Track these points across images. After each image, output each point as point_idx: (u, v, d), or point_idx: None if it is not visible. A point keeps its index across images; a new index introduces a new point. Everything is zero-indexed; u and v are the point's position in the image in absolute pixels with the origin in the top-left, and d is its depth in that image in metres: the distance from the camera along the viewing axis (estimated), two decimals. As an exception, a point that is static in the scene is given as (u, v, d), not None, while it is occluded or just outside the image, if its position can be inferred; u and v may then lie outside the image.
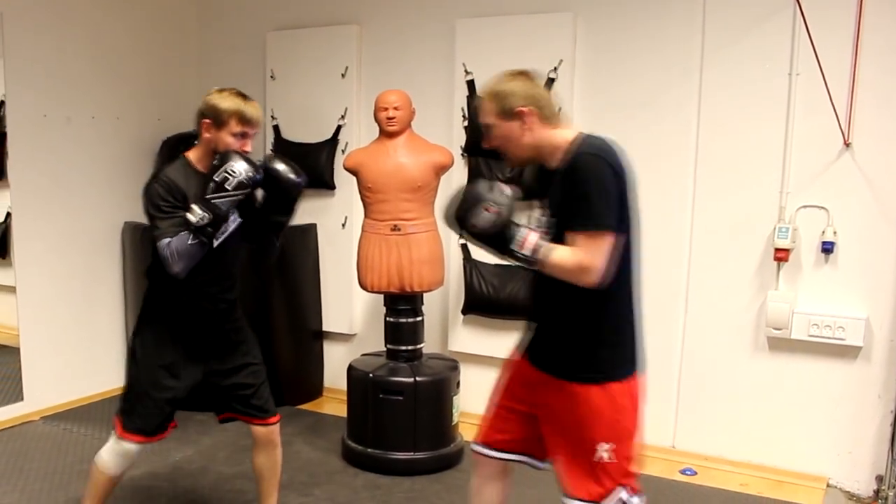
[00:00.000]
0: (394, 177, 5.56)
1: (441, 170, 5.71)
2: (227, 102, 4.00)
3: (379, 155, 5.64)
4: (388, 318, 5.91)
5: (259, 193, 4.11)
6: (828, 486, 5.57)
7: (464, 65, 6.40)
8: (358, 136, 6.94)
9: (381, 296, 5.97)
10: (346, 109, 7.01)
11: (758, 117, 5.55)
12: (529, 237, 3.21)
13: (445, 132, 6.45)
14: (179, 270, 3.93)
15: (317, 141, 7.03)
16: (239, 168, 3.85)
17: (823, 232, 5.42)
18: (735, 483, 5.62)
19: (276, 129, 7.43)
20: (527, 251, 3.20)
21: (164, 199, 3.98)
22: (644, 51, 5.86)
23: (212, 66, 7.93)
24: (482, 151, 6.09)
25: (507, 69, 3.44)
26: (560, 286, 3.24)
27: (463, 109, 6.44)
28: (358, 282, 5.92)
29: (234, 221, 4.03)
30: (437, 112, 6.55)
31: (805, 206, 5.48)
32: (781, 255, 5.49)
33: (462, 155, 6.44)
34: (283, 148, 7.28)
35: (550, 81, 5.99)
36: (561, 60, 5.98)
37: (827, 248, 5.41)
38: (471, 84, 6.36)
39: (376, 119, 5.66)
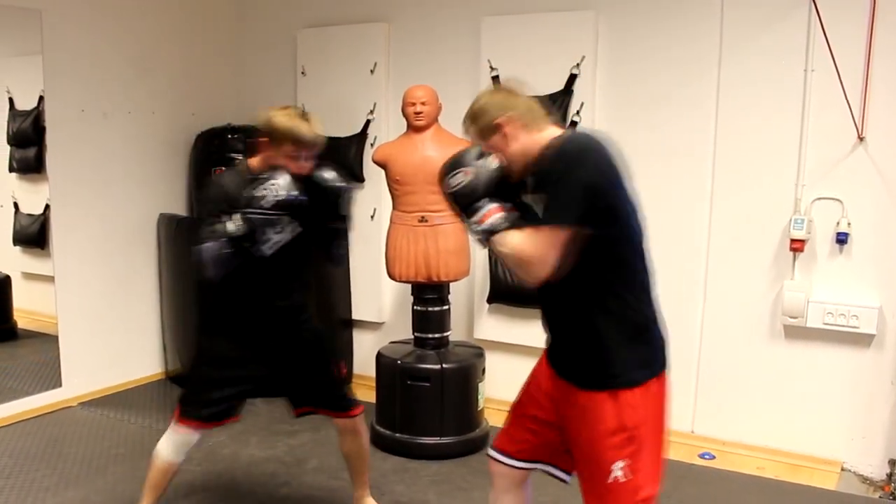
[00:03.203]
0: (421, 169, 5.59)
1: None
2: (283, 125, 4.02)
3: (407, 148, 5.72)
4: (415, 307, 5.98)
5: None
6: (842, 469, 5.60)
7: (489, 61, 6.46)
8: (386, 131, 7.01)
9: (409, 285, 6.02)
10: (374, 104, 7.09)
11: (774, 112, 5.57)
12: (493, 214, 3.07)
13: (471, 127, 6.50)
14: (212, 276, 4.00)
15: (346, 135, 7.07)
16: (280, 189, 3.89)
17: (838, 223, 5.46)
18: (752, 467, 5.65)
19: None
20: (484, 226, 3.07)
21: (214, 203, 4.10)
22: (663, 47, 5.90)
23: (245, 63, 8.02)
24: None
25: (484, 88, 3.31)
26: (562, 286, 3.06)
27: (488, 104, 6.46)
28: (386, 271, 5.99)
29: (290, 231, 4.03)
30: (463, 107, 6.43)
31: (820, 198, 5.51)
32: (797, 246, 5.52)
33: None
34: None
35: (573, 77, 6.08)
36: (583, 57, 6.04)
37: (841, 238, 5.44)
38: (496, 80, 6.38)
39: (404, 114, 5.73)
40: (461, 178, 3.14)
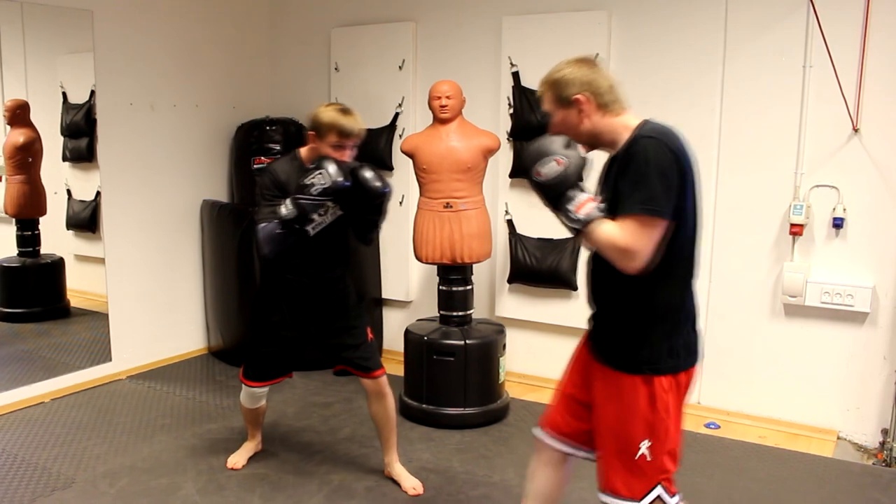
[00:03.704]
0: (446, 159, 5.68)
1: (489, 153, 5.83)
2: (327, 117, 4.31)
3: (433, 139, 5.77)
4: (440, 287, 6.05)
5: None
6: (838, 438, 5.68)
7: (509, 58, 6.54)
8: (414, 123, 7.08)
9: (435, 267, 6.09)
10: (403, 98, 7.17)
11: (775, 105, 5.64)
12: (588, 203, 3.00)
13: (493, 118, 6.60)
14: (268, 252, 4.32)
15: (377, 127, 7.12)
16: (326, 176, 4.13)
17: (834, 209, 5.53)
18: (754, 436, 5.73)
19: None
20: (581, 215, 2.99)
21: (267, 188, 4.38)
22: (672, 45, 5.97)
23: (282, 59, 8.10)
24: (526, 135, 6.31)
25: (571, 57, 3.22)
26: (614, 270, 3.02)
27: (508, 98, 6.56)
28: (414, 254, 6.06)
29: (332, 215, 4.40)
30: (486, 100, 6.71)
31: (818, 186, 5.59)
32: (796, 230, 5.60)
33: (508, 139, 6.57)
34: None
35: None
36: (597, 54, 6.07)
37: (837, 223, 5.51)
38: (515, 75, 6.50)
39: (430, 107, 5.81)
40: (555, 168, 3.04)
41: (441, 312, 6.11)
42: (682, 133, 3.05)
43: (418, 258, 6.04)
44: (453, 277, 5.99)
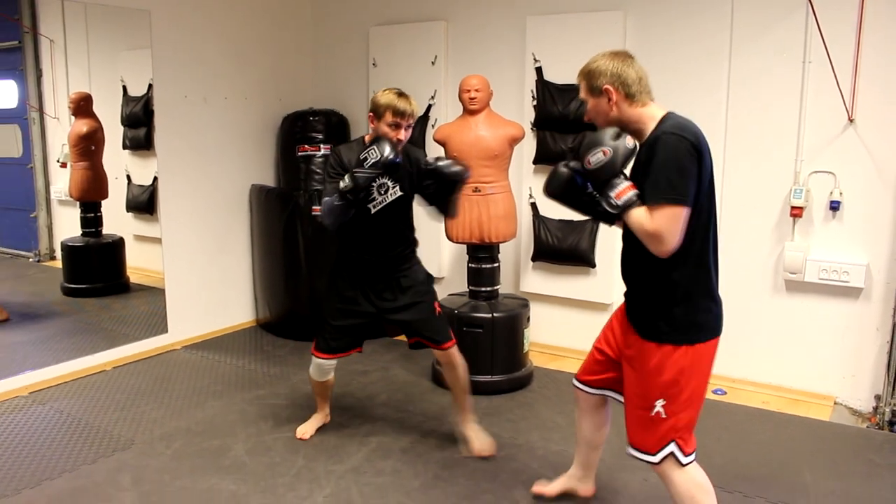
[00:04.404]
0: (475, 147, 5.72)
1: (514, 141, 5.89)
2: (383, 99, 4.46)
3: (463, 129, 5.82)
4: (470, 265, 6.11)
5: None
6: (835, 403, 5.75)
7: (533, 54, 6.63)
8: (445, 114, 7.18)
9: (465, 246, 6.17)
10: (435, 91, 7.24)
11: (776, 98, 5.70)
12: (628, 191, 3.13)
13: (518, 110, 6.70)
14: (329, 224, 4.50)
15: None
16: (378, 152, 4.27)
17: (831, 193, 5.59)
18: (758, 401, 5.80)
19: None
20: (620, 202, 3.13)
21: (332, 167, 4.58)
22: (682, 43, 6.02)
23: (324, 55, 8.19)
24: (548, 125, 6.46)
25: (608, 49, 3.35)
26: (638, 251, 3.23)
27: (532, 91, 6.64)
28: (445, 234, 6.14)
29: (392, 195, 4.57)
30: (511, 93, 6.79)
31: (816, 172, 5.65)
32: (796, 212, 5.66)
33: (532, 129, 6.65)
34: None
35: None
36: None
37: (834, 206, 5.58)
38: (539, 70, 6.59)
39: (460, 99, 5.87)
40: (601, 157, 3.17)
41: (470, 288, 6.18)
42: (698, 127, 3.19)
43: (449, 238, 6.09)
44: (481, 256, 6.04)
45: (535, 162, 6.75)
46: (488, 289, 6.12)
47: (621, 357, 3.57)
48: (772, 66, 5.73)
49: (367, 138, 4.66)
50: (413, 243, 4.91)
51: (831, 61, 5.33)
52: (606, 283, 6.58)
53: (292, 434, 5.21)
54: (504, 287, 6.52)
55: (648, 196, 3.12)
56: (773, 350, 5.98)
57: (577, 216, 6.23)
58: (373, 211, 4.58)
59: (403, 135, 4.49)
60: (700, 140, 3.15)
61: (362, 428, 5.32)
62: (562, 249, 6.64)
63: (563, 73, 6.49)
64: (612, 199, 3.18)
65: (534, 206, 6.80)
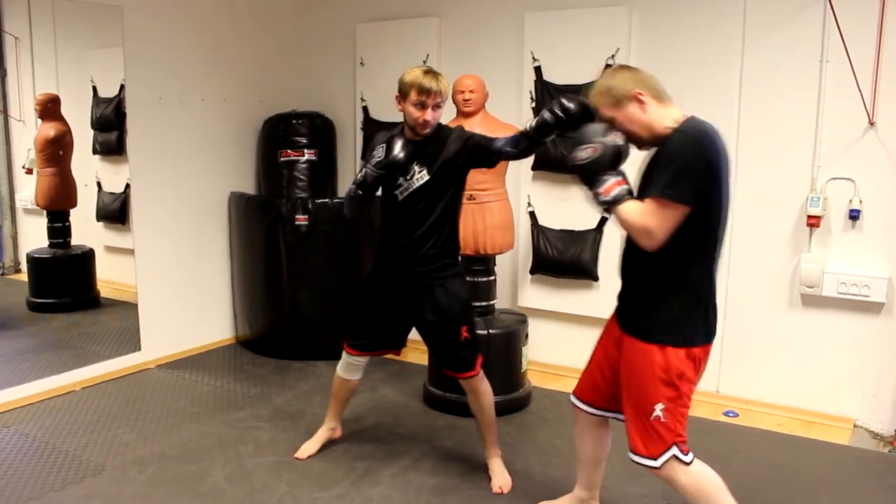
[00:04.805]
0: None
1: None
2: (409, 77, 4.47)
3: None
4: (465, 278, 5.98)
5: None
6: (854, 426, 5.73)
7: (532, 53, 6.63)
8: None
9: (459, 257, 6.14)
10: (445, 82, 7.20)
11: (792, 99, 5.69)
12: (616, 187, 3.26)
13: (515, 112, 6.65)
14: (346, 213, 4.66)
15: (401, 120, 7.03)
16: (383, 151, 4.41)
17: (850, 201, 5.57)
18: (772, 423, 5.77)
19: (364, 109, 7.67)
20: (608, 197, 3.27)
21: (365, 157, 4.66)
22: (692, 40, 6.02)
23: (308, 54, 8.20)
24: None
25: (610, 68, 3.44)
26: (640, 249, 3.34)
27: (530, 92, 6.64)
28: None
29: (417, 180, 4.51)
30: (508, 94, 6.78)
31: (834, 178, 5.63)
32: (813, 222, 5.65)
33: (530, 133, 6.64)
34: (371, 126, 7.50)
35: (608, 67, 6.16)
36: (618, 49, 6.19)
37: (854, 215, 5.56)
38: (538, 70, 6.60)
39: (454, 101, 5.79)
40: (589, 153, 3.30)
41: (465, 303, 6.13)
42: (716, 130, 3.32)
43: (442, 248, 6.03)
44: (477, 268, 6.01)
45: (533, 168, 6.75)
46: (484, 303, 6.07)
47: (618, 361, 3.65)
48: (787, 66, 5.73)
49: (403, 130, 4.66)
50: (449, 246, 4.72)
51: (850, 60, 5.31)
52: (610, 297, 6.27)
53: (274, 458, 5.19)
54: (501, 302, 6.48)
55: (648, 190, 3.26)
56: (789, 369, 5.96)
57: (578, 226, 6.24)
58: (399, 198, 4.57)
59: (431, 115, 4.46)
60: (715, 142, 3.26)
61: (350, 452, 5.29)
62: (562, 261, 6.64)
63: (563, 72, 6.49)
64: (599, 196, 3.32)
65: (532, 214, 6.80)
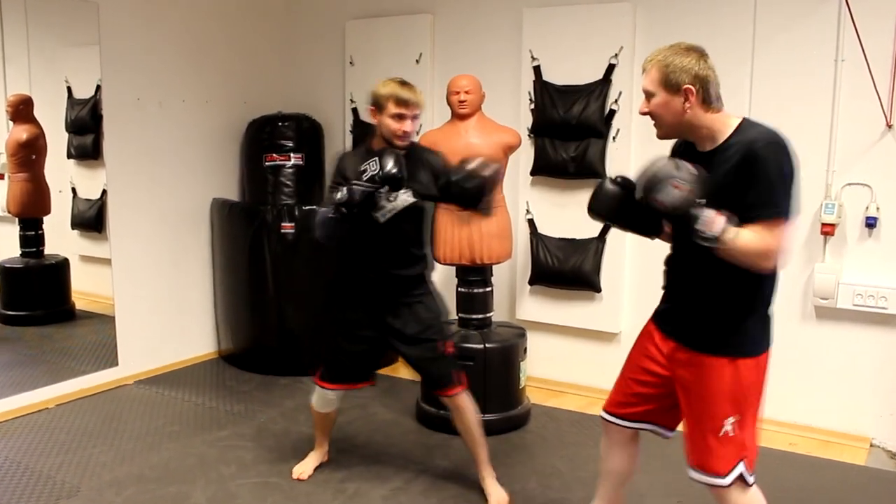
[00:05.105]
0: (465, 156, 5.53)
1: (509, 150, 5.90)
2: (385, 89, 4.52)
3: (451, 136, 5.78)
4: (459, 289, 6.10)
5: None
6: (871, 445, 5.71)
7: (530, 51, 6.63)
8: (431, 118, 7.10)
9: (454, 268, 6.12)
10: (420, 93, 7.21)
11: (805, 101, 5.67)
12: (716, 218, 3.13)
13: (513, 114, 6.67)
14: (319, 236, 4.54)
15: None
16: (379, 165, 4.31)
17: (867, 208, 5.56)
18: (784, 443, 5.74)
19: (354, 111, 7.67)
20: (714, 232, 3.13)
21: (333, 177, 4.64)
22: (699, 39, 5.58)
23: (294, 53, 8.21)
24: (548, 132, 6.44)
25: (682, 41, 3.40)
26: (709, 261, 3.25)
27: (529, 93, 6.64)
28: (432, 255, 5.96)
29: (403, 202, 4.46)
30: (506, 95, 6.78)
31: (850, 184, 5.62)
32: (828, 230, 5.63)
33: (529, 136, 6.65)
34: (361, 129, 7.50)
35: (611, 67, 6.27)
36: (621, 47, 6.20)
37: (870, 222, 5.55)
38: (537, 69, 6.59)
39: (449, 102, 5.85)
40: (675, 193, 3.17)
41: (460, 315, 6.16)
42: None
43: (437, 259, 6.01)
44: (472, 279, 6.02)
45: (532, 173, 6.73)
46: (480, 316, 6.09)
47: (671, 381, 3.62)
48: (799, 66, 5.72)
49: (374, 143, 4.69)
50: (427, 263, 4.90)
51: (867, 59, 5.29)
52: (613, 309, 6.57)
53: (259, 480, 5.17)
54: (498, 314, 6.46)
55: (759, 210, 3.17)
56: (802, 385, 5.92)
57: (578, 234, 6.25)
58: (381, 220, 4.50)
59: (409, 126, 4.54)
60: (793, 149, 3.24)
61: (338, 473, 5.27)
62: (563, 272, 6.61)
63: (564, 72, 6.49)
64: (703, 233, 3.17)
65: (531, 222, 6.79)
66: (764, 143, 3.17)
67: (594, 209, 3.61)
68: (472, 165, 4.57)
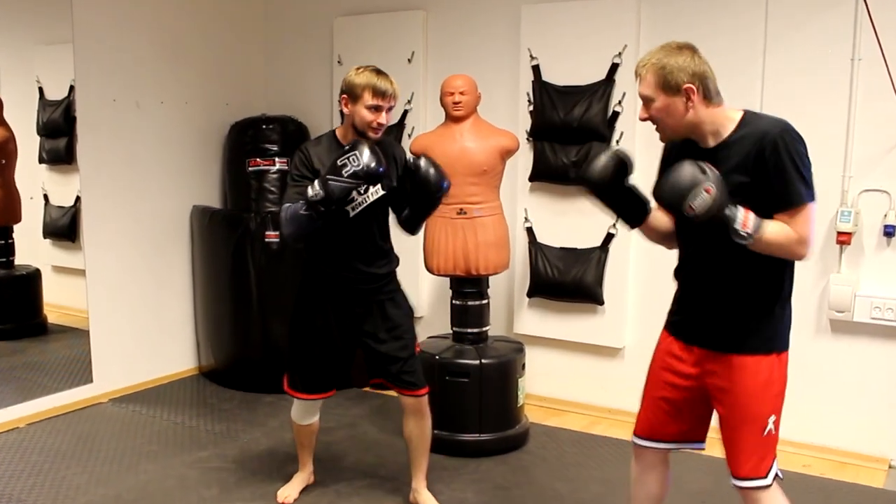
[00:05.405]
0: (459, 161, 5.65)
1: (507, 154, 5.87)
2: (360, 78, 4.49)
3: (445, 139, 5.77)
4: (454, 301, 6.08)
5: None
6: (890, 467, 5.69)
7: (529, 50, 6.62)
8: (424, 121, 7.15)
9: (448, 279, 6.11)
10: (412, 94, 7.23)
11: (820, 102, 5.64)
12: (749, 215, 3.22)
13: (511, 116, 6.66)
14: (287, 234, 4.48)
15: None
16: (359, 158, 4.22)
17: (886, 215, 5.55)
18: (798, 464, 5.70)
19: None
20: (749, 230, 3.22)
21: (297, 168, 4.58)
22: (707, 36, 5.73)
23: (279, 52, 8.20)
24: (548, 135, 6.42)
25: (672, 41, 3.47)
26: (729, 260, 3.38)
27: (528, 94, 6.63)
28: (424, 265, 6.08)
29: (373, 195, 4.52)
30: (503, 96, 6.78)
31: (867, 190, 5.60)
32: (844, 239, 5.60)
33: (527, 139, 6.63)
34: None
35: (615, 67, 6.25)
36: (625, 45, 6.18)
37: (889, 231, 5.52)
38: (536, 69, 6.58)
39: (442, 104, 5.83)
40: (707, 197, 3.21)
41: (454, 329, 6.14)
42: None
43: (429, 269, 6.05)
44: (467, 290, 6.00)
45: (531, 179, 6.72)
46: (475, 330, 6.07)
47: (700, 391, 3.66)
48: (814, 64, 5.70)
49: (339, 132, 4.69)
50: (395, 258, 4.94)
51: (885, 58, 5.27)
52: (617, 323, 6.55)
53: (241, 503, 5.15)
54: (494, 328, 6.45)
55: (787, 199, 3.28)
56: (816, 403, 5.88)
57: (580, 243, 6.22)
58: (351, 214, 4.53)
59: (384, 118, 4.52)
60: None
61: (325, 496, 5.26)
62: (564, 283, 6.59)
63: (565, 72, 6.48)
64: (740, 231, 3.25)
65: (530, 231, 6.78)
66: (778, 133, 3.26)
67: (585, 177, 3.64)
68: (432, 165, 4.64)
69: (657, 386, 3.83)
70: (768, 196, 3.28)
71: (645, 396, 3.90)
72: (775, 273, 3.42)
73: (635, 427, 3.95)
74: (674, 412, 3.77)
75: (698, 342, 3.60)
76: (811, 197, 3.27)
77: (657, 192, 3.38)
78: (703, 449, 3.87)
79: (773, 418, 3.46)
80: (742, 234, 3.23)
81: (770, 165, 3.25)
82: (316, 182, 4.29)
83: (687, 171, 3.28)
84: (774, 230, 3.25)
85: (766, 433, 3.46)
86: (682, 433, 3.82)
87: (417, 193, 4.65)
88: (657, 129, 3.51)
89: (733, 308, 3.50)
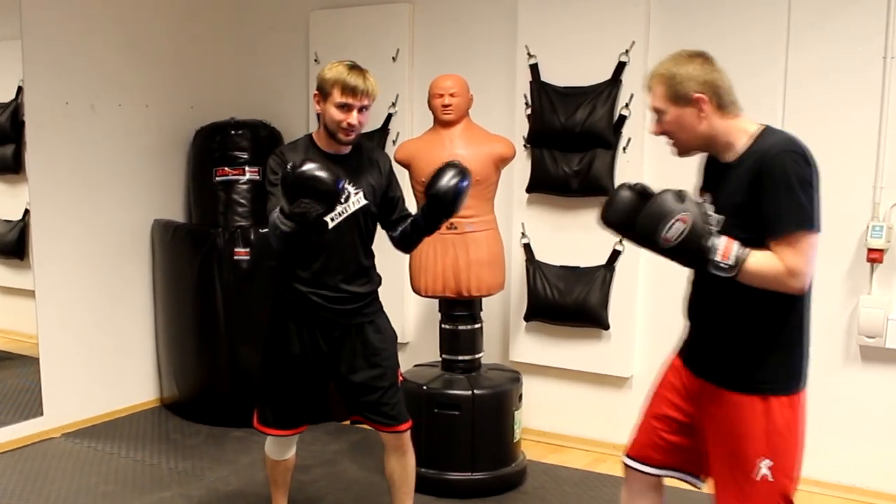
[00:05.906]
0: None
1: (501, 162, 5.85)
2: (331, 73, 4.42)
3: (433, 146, 5.75)
4: (443, 325, 6.04)
5: None
6: None
7: (527, 47, 6.58)
8: (410, 126, 7.13)
9: (436, 301, 6.10)
10: (397, 96, 7.20)
11: (849, 105, 5.63)
12: (731, 245, 3.24)
13: (507, 121, 6.62)
14: (276, 247, 4.39)
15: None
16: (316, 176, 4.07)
17: None
18: None
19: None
20: (731, 261, 3.24)
21: (273, 172, 4.47)
22: (724, 32, 5.95)
23: (250, 49, 8.17)
24: (547, 142, 6.37)
25: (683, 49, 3.52)
26: (733, 287, 3.34)
27: (526, 96, 6.59)
28: (410, 285, 6.06)
29: (354, 204, 4.44)
30: (498, 99, 6.73)
31: None
32: (875, 256, 5.57)
33: (525, 146, 6.59)
34: None
35: (621, 66, 6.20)
36: (633, 42, 6.16)
37: None
38: (534, 69, 6.53)
39: (430, 106, 5.82)
40: (681, 227, 3.26)
41: (443, 356, 6.10)
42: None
43: (416, 290, 6.03)
44: (458, 314, 5.98)
45: (529, 190, 6.68)
46: (467, 357, 6.03)
47: (696, 419, 3.66)
48: (841, 63, 5.66)
49: (315, 136, 4.62)
50: (377, 277, 4.85)
51: (921, 56, 5.22)
52: (624, 349, 6.51)
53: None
54: (488, 356, 6.41)
55: (774, 226, 3.26)
56: (846, 439, 5.83)
57: (583, 261, 6.18)
58: (330, 225, 4.44)
59: (356, 118, 4.41)
60: (813, 157, 3.31)
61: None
62: (565, 305, 6.55)
63: (566, 72, 6.45)
64: (719, 263, 3.27)
65: (527, 247, 6.74)
66: (777, 152, 3.26)
67: (607, 219, 3.62)
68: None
69: (659, 403, 3.85)
70: (764, 219, 3.27)
71: (644, 413, 3.92)
72: (775, 310, 3.40)
73: (627, 447, 3.97)
74: (670, 434, 3.77)
75: (699, 372, 3.64)
76: (809, 225, 3.23)
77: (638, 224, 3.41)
78: (700, 487, 3.83)
79: (766, 463, 3.39)
80: (721, 265, 3.25)
81: (763, 187, 3.26)
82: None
83: (660, 202, 3.34)
84: (759, 261, 3.24)
85: (759, 477, 3.41)
86: (676, 460, 3.80)
87: (431, 202, 4.55)
88: (672, 144, 3.53)
89: (728, 341, 3.52)
